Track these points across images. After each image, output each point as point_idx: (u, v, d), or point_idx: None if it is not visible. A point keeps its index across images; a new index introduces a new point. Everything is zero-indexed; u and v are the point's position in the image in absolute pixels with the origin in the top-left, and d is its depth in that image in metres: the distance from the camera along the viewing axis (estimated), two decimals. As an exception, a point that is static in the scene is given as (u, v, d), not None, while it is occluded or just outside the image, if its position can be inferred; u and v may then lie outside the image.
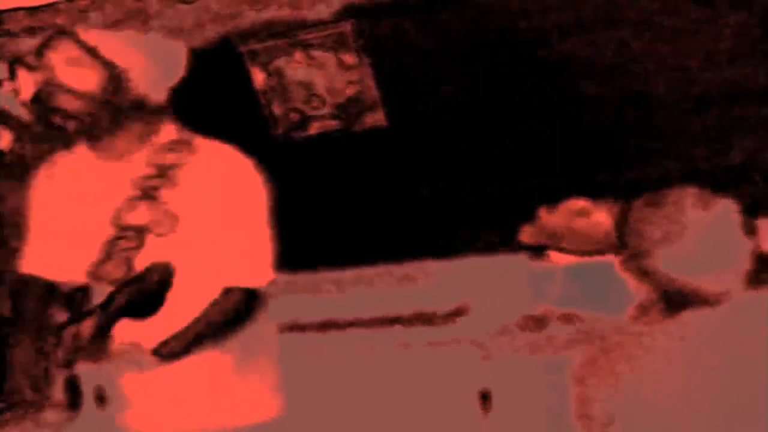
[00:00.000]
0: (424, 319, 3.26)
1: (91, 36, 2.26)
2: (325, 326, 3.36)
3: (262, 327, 2.39)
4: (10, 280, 2.46)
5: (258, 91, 3.43)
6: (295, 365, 3.25)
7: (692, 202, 1.86)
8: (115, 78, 2.24)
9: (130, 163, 2.29)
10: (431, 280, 3.38)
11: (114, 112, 2.25)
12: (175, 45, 2.42)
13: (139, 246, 2.22)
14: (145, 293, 2.14)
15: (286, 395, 2.47)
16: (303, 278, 3.54)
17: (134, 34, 2.42)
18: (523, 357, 3.03)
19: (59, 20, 3.49)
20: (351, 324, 3.33)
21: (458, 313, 3.24)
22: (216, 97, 3.49)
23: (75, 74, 2.23)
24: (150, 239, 2.22)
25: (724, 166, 2.98)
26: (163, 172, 2.27)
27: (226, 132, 3.58)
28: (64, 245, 2.30)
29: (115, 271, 2.21)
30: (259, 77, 3.41)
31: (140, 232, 2.22)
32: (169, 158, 2.29)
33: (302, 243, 3.54)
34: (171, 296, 2.19)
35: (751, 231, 1.87)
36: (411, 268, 3.43)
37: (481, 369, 3.07)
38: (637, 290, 1.91)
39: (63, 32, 2.28)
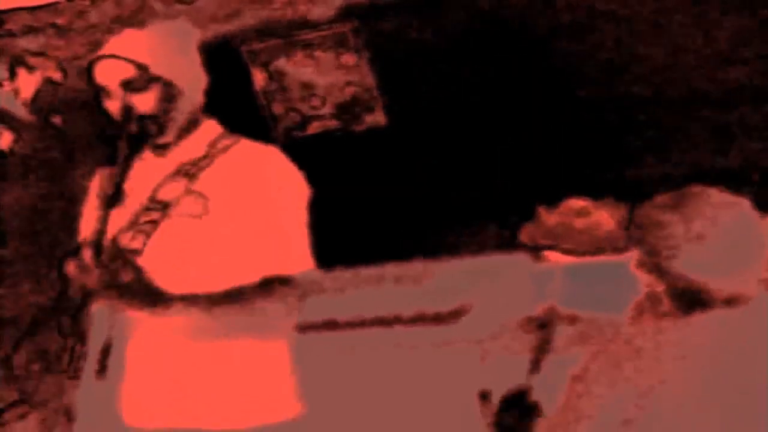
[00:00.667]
0: (425, 319, 3.26)
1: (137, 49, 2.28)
2: (325, 326, 3.35)
3: (291, 319, 2.42)
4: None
5: (258, 91, 3.43)
6: (293, 365, 3.25)
7: (711, 202, 1.86)
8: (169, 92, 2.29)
9: (181, 151, 2.33)
10: (431, 280, 3.38)
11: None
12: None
13: (161, 220, 2.23)
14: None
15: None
16: (303, 278, 3.54)
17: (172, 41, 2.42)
18: (523, 357, 3.03)
19: (59, 20, 3.50)
20: (350, 324, 3.33)
21: (458, 313, 3.24)
22: (216, 97, 3.49)
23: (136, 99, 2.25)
24: (182, 218, 2.24)
25: (724, 166, 2.98)
26: (209, 154, 2.32)
27: (225, 132, 3.57)
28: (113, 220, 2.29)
29: (134, 240, 2.23)
30: (259, 77, 3.41)
31: (166, 207, 2.24)
32: (221, 144, 2.35)
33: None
34: (206, 280, 2.19)
35: None
36: (411, 268, 3.43)
37: (481, 369, 3.06)
38: (646, 285, 1.91)
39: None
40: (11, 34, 3.34)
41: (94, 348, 2.19)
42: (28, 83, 2.41)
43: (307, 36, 3.29)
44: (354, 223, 3.46)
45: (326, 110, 3.40)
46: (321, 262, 3.50)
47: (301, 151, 3.49)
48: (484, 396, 3.01)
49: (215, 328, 2.26)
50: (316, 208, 3.54)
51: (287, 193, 2.36)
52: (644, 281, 1.91)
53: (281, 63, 3.37)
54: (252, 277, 2.25)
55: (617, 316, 2.04)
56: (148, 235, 2.24)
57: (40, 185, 3.41)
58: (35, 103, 2.34)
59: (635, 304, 1.93)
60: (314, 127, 3.45)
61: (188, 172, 2.29)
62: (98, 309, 2.17)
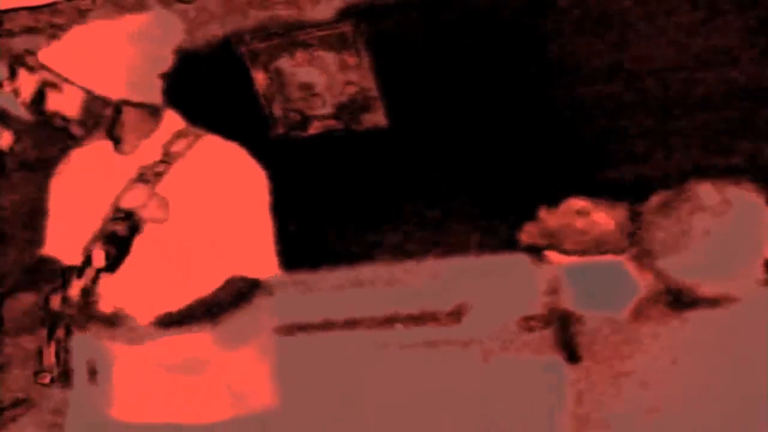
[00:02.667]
0: (424, 319, 3.26)
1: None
2: (325, 326, 3.36)
3: (260, 318, 2.41)
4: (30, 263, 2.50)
5: (258, 91, 3.43)
6: (294, 365, 3.25)
7: (707, 200, 1.86)
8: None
9: (141, 153, 2.33)
10: (431, 280, 3.38)
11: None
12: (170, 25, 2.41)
13: (127, 228, 2.25)
14: (117, 243, 2.21)
15: (285, 395, 2.47)
16: (303, 278, 3.54)
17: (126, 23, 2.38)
18: (523, 357, 3.03)
19: (59, 20, 3.49)
20: (350, 324, 3.33)
21: (458, 313, 3.24)
22: (216, 97, 3.49)
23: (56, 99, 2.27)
24: (148, 224, 2.25)
25: (724, 166, 2.98)
26: (168, 158, 2.31)
27: (226, 132, 3.58)
28: (77, 231, 2.33)
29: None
30: (259, 77, 3.41)
31: (129, 214, 2.25)
32: (178, 144, 2.33)
33: (302, 242, 3.55)
34: (174, 282, 2.22)
35: None
36: (411, 268, 3.43)
37: (481, 369, 3.06)
38: (645, 284, 1.91)
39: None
40: (11, 34, 3.34)
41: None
42: (28, 83, 2.40)
43: (307, 36, 3.29)
44: (354, 223, 3.46)
45: (326, 110, 3.40)
46: (321, 261, 3.51)
47: (301, 151, 3.51)
48: (484, 397, 3.01)
49: (192, 343, 2.30)
50: (316, 208, 3.55)
51: (250, 193, 2.34)
52: (642, 281, 1.91)
53: (281, 63, 3.37)
54: (218, 281, 2.26)
55: (617, 316, 2.04)
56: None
57: (40, 185, 3.41)
58: (35, 103, 2.34)
59: (635, 304, 1.93)
60: (314, 127, 3.45)
61: (147, 177, 2.28)
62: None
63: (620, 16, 2.95)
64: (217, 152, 2.35)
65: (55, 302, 2.15)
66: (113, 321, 2.20)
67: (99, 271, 2.20)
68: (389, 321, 3.29)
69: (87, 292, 2.16)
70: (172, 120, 2.40)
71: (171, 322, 2.22)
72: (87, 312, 2.17)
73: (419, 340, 3.20)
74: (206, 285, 2.26)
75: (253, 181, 2.35)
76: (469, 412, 3.05)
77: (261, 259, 2.33)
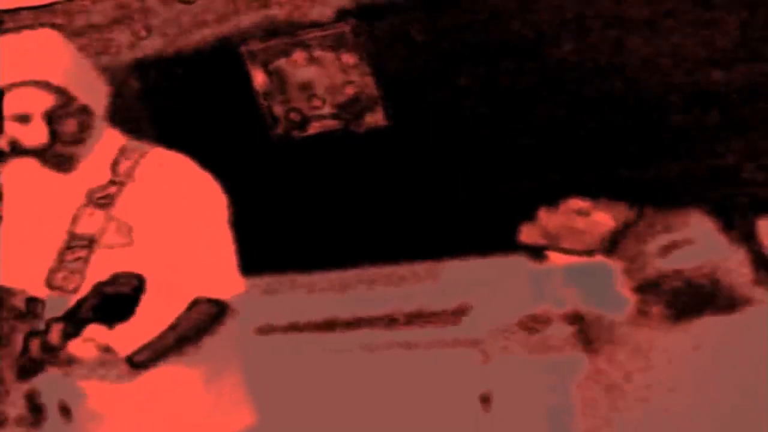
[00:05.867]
0: (425, 319, 3.26)
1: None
2: (325, 326, 3.35)
3: (231, 337, 2.37)
4: None
5: (258, 91, 3.43)
6: (295, 365, 3.25)
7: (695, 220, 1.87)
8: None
9: (85, 171, 2.24)
10: (431, 280, 3.38)
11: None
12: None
13: (89, 256, 2.16)
14: (115, 299, 2.07)
15: (285, 395, 2.47)
16: (303, 278, 3.54)
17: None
18: (523, 357, 3.03)
19: (59, 20, 3.49)
20: (350, 324, 3.33)
21: (458, 313, 3.24)
22: (216, 97, 3.49)
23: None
24: (108, 250, 2.17)
25: (724, 166, 2.98)
26: (117, 180, 2.21)
27: (226, 132, 3.59)
28: (26, 255, 2.23)
29: (68, 281, 2.16)
30: (259, 77, 3.41)
31: (91, 241, 2.16)
32: (123, 165, 2.23)
33: (302, 243, 3.55)
34: (139, 307, 2.13)
35: (748, 235, 1.86)
36: (411, 268, 3.43)
37: (481, 370, 3.06)
38: (643, 294, 1.91)
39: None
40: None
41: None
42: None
43: (307, 36, 3.29)
44: (354, 223, 3.46)
45: (326, 110, 3.40)
46: (321, 261, 3.51)
47: (301, 151, 3.51)
48: (485, 398, 3.01)
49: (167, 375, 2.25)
50: (316, 208, 3.55)
51: (207, 207, 2.25)
52: (629, 293, 1.91)
53: (281, 63, 3.37)
54: (182, 304, 2.19)
55: (617, 317, 2.04)
56: (81, 274, 2.16)
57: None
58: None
59: (634, 304, 1.93)
60: (314, 127, 3.44)
61: (101, 200, 2.19)
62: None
63: (620, 15, 2.94)
64: (167, 167, 2.25)
65: (35, 348, 2.03)
66: (98, 362, 2.12)
67: (87, 321, 2.07)
68: (389, 321, 3.28)
69: (68, 336, 2.04)
70: (113, 136, 2.29)
71: (145, 360, 2.15)
72: (68, 356, 2.07)
73: (419, 340, 3.20)
74: (171, 309, 2.18)
75: (208, 196, 2.26)
76: (469, 412, 3.05)
77: (225, 279, 2.26)
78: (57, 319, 2.06)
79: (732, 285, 1.84)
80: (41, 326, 2.07)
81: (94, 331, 2.08)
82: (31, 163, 2.25)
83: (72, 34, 3.50)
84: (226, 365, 2.39)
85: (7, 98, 2.08)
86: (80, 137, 2.18)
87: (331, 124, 3.42)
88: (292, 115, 3.45)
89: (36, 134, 2.11)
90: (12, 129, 2.11)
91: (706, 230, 1.85)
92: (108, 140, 2.27)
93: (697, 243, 1.84)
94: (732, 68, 2.89)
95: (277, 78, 3.40)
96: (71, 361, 2.09)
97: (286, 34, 3.30)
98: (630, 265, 1.93)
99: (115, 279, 2.07)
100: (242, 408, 2.42)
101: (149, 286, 2.10)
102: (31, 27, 3.10)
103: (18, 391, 2.06)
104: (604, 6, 2.95)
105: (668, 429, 1.81)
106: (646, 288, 1.89)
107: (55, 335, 2.04)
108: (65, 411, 2.19)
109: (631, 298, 1.94)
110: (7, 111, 2.10)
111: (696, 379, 1.81)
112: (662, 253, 1.86)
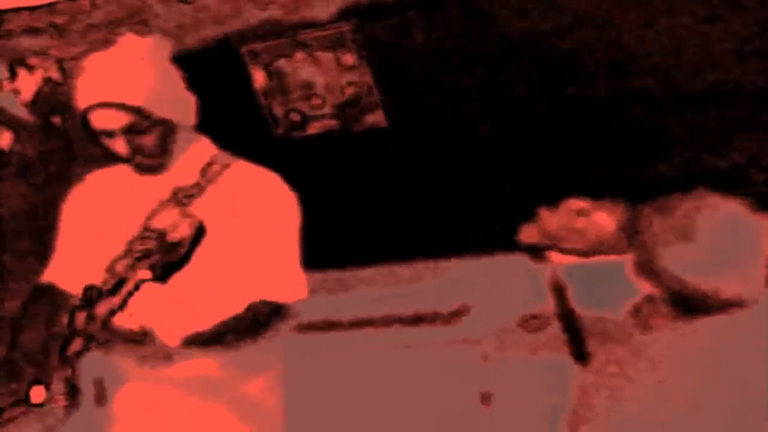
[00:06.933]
0: (424, 319, 3.26)
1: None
2: (325, 326, 3.36)
3: (275, 340, 2.42)
4: (30, 288, 2.47)
5: (258, 91, 3.43)
6: (294, 365, 3.25)
7: (704, 207, 1.86)
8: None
9: (175, 173, 2.34)
10: (431, 280, 3.38)
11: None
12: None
13: (158, 249, 2.21)
14: (164, 265, 2.15)
15: (285, 394, 2.48)
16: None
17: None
18: (523, 357, 3.03)
19: (59, 20, 3.50)
20: (350, 324, 3.33)
21: (458, 313, 3.24)
22: (216, 97, 3.49)
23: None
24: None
25: (724, 166, 2.98)
26: (204, 181, 2.33)
27: (226, 132, 3.58)
28: (94, 256, 2.30)
29: (129, 270, 2.21)
30: (259, 77, 3.41)
31: (162, 235, 2.22)
32: (210, 171, 2.35)
33: (301, 243, 3.54)
34: (199, 306, 2.22)
35: None
36: (411, 268, 3.43)
37: (481, 369, 3.06)
38: (646, 291, 1.91)
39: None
40: (11, 34, 3.34)
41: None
42: (28, 83, 2.40)
43: (307, 36, 3.29)
44: (354, 224, 3.46)
45: (326, 110, 3.40)
46: (321, 262, 3.50)
47: (301, 151, 3.51)
48: (485, 398, 3.02)
49: (209, 366, 2.30)
50: (315, 208, 3.54)
51: (281, 218, 2.36)
52: (641, 285, 1.91)
53: (281, 63, 3.37)
54: (243, 305, 2.26)
55: (617, 317, 2.04)
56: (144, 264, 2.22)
57: (40, 185, 3.41)
58: (35, 103, 2.33)
59: (634, 305, 1.93)
60: (314, 127, 3.45)
61: (181, 200, 2.29)
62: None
63: (620, 15, 2.95)
64: (250, 177, 2.38)
65: (80, 319, 2.10)
66: (139, 340, 2.19)
67: (142, 282, 2.15)
68: (389, 321, 3.29)
69: (113, 312, 2.12)
70: (204, 145, 2.42)
71: (196, 343, 2.21)
72: (111, 330, 2.15)
73: (419, 340, 3.20)
74: (232, 308, 2.25)
75: (284, 206, 2.37)
76: (469, 411, 3.05)
77: (288, 283, 2.35)
78: (104, 293, 2.13)
79: (739, 285, 1.84)
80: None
81: (139, 306, 2.15)
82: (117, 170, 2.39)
83: (72, 34, 3.50)
84: (268, 370, 2.45)
85: (91, 117, 2.23)
86: (162, 150, 2.30)
87: (331, 124, 3.42)
88: (292, 115, 3.45)
89: (119, 148, 2.25)
90: (105, 141, 2.27)
91: (715, 229, 1.85)
92: (197, 150, 2.39)
93: (702, 243, 1.83)
94: (732, 68, 2.89)
95: (277, 78, 3.40)
96: (115, 335, 2.17)
97: (287, 34, 3.30)
98: (633, 264, 1.93)
99: (140, 239, 2.17)
100: (276, 418, 2.47)
101: (212, 283, 2.20)
102: (31, 27, 3.10)
103: (60, 377, 2.09)
104: (604, 6, 2.95)
105: (668, 429, 1.81)
106: (653, 287, 1.89)
107: (102, 307, 2.10)
108: (101, 396, 2.28)
109: (632, 298, 1.94)
110: (95, 126, 2.25)
111: (697, 378, 1.81)
112: (669, 253, 1.85)
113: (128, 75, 2.24)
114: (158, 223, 2.23)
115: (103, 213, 2.38)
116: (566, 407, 1.93)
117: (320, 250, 3.52)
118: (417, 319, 3.27)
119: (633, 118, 3.06)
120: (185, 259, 2.15)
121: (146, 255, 2.17)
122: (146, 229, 2.24)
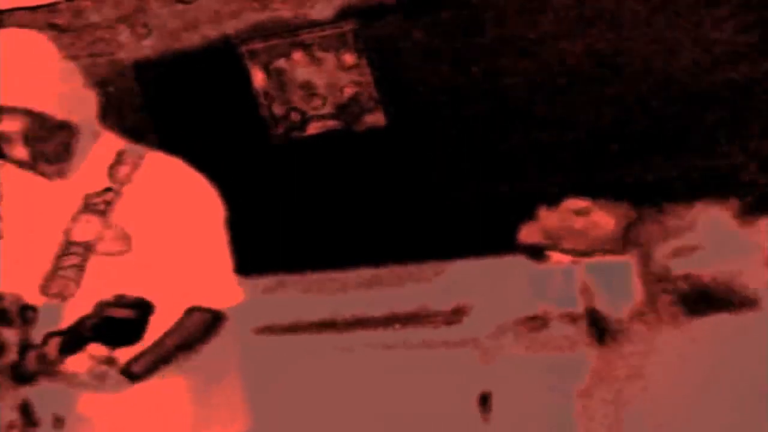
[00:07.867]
0: (424, 319, 3.25)
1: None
2: (325, 326, 3.35)
3: (230, 342, 2.36)
4: None
5: (258, 91, 3.43)
6: (294, 365, 3.25)
7: (704, 206, 1.86)
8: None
9: (81, 176, 2.22)
10: (431, 280, 3.37)
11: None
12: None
13: (84, 263, 2.14)
14: (118, 321, 2.00)
15: (284, 395, 2.47)
16: (302, 278, 3.54)
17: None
18: (523, 357, 3.03)
19: (59, 20, 3.49)
20: (350, 324, 3.33)
21: (458, 313, 3.24)
22: (216, 97, 3.49)
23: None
24: (105, 258, 2.15)
25: (724, 166, 2.98)
26: (115, 186, 2.20)
27: (226, 132, 3.58)
28: (22, 261, 2.21)
29: (64, 288, 2.14)
30: (259, 77, 3.41)
31: (86, 248, 2.15)
32: (121, 171, 2.22)
33: (302, 243, 3.54)
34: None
35: None
36: (411, 268, 3.42)
37: (481, 370, 3.06)
38: (647, 290, 1.90)
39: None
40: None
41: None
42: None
43: (307, 36, 3.29)
44: (353, 224, 3.46)
45: (326, 110, 3.40)
46: (321, 262, 3.51)
47: (301, 151, 3.51)
48: (485, 398, 3.01)
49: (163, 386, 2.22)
50: (315, 208, 3.54)
51: (206, 217, 2.25)
52: (641, 284, 1.91)
53: (281, 63, 3.37)
54: (178, 313, 2.18)
55: (617, 316, 2.04)
56: (76, 282, 2.15)
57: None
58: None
59: (634, 305, 1.93)
60: (314, 127, 3.44)
61: (98, 206, 2.18)
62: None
63: (620, 15, 2.94)
64: (163, 173, 2.24)
65: (31, 360, 2.00)
66: (94, 374, 2.07)
67: (89, 340, 2.01)
68: (389, 321, 3.28)
69: (66, 351, 2.00)
70: (109, 140, 2.28)
71: (142, 371, 2.12)
72: (64, 371, 2.03)
73: (419, 340, 3.20)
74: (167, 318, 2.16)
75: (204, 203, 2.25)
76: (469, 412, 3.05)
77: (224, 288, 2.26)
78: (56, 333, 2.03)
79: (745, 285, 1.83)
80: (35, 335, 2.04)
81: (94, 348, 2.04)
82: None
83: (72, 34, 3.50)
84: (224, 371, 2.38)
85: None
86: (64, 153, 2.18)
87: (331, 124, 3.42)
88: (292, 115, 3.45)
89: (19, 153, 2.12)
90: (3, 147, 2.13)
91: (716, 229, 1.85)
92: (103, 145, 2.26)
93: (707, 243, 1.83)
94: (732, 68, 2.89)
95: (277, 78, 3.40)
96: (67, 375, 2.05)
97: (287, 34, 3.30)
98: (638, 264, 1.93)
99: (120, 300, 2.01)
100: (238, 415, 2.41)
101: (147, 294, 2.06)
102: (31, 27, 3.10)
103: (12, 397, 2.02)
104: (604, 6, 2.95)
105: (672, 427, 1.80)
106: (655, 286, 1.89)
107: (52, 349, 2.01)
108: (58, 421, 2.15)
109: (637, 296, 1.94)
110: None
111: (700, 377, 1.81)
112: (672, 253, 1.85)
113: (21, 76, 2.09)
114: (80, 236, 2.15)
115: (19, 212, 2.25)
116: (569, 407, 1.93)
117: (320, 250, 3.53)
118: (417, 319, 3.27)
119: (633, 118, 3.06)
120: (136, 334, 2.01)
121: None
122: (69, 243, 2.15)
